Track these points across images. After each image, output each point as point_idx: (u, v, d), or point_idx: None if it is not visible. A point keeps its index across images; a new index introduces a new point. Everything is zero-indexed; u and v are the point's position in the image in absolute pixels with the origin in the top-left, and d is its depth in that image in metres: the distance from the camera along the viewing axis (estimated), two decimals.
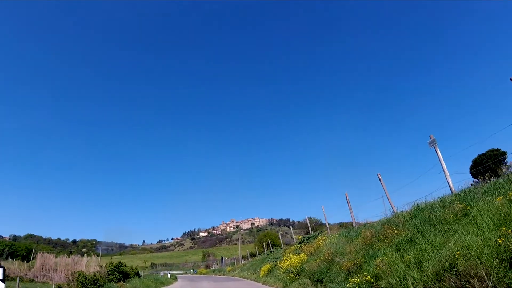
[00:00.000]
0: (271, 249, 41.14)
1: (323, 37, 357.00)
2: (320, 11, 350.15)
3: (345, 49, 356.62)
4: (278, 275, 22.65)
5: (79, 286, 20.18)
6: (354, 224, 20.05)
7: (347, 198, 20.37)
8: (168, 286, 27.85)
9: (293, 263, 18.75)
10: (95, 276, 22.23)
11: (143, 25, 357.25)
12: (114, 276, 25.25)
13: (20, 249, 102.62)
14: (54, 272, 30.40)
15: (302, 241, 25.61)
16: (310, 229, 27.69)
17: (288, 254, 23.64)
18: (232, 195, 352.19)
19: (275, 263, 28.18)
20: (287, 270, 19.02)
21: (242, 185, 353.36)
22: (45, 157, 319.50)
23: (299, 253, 23.24)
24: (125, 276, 26.59)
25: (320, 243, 20.23)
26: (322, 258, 15.91)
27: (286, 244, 39.98)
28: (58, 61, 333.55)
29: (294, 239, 33.07)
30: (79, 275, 21.62)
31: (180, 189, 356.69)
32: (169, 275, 41.05)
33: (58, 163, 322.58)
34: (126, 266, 29.89)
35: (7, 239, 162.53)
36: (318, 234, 25.21)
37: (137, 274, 30.08)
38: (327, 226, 24.08)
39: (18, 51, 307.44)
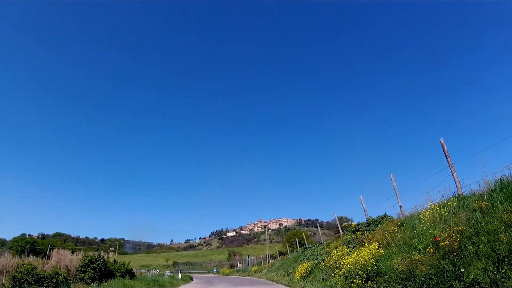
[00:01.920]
0: (306, 245, 32.63)
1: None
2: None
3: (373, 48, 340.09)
4: (325, 279, 14.32)
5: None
6: (459, 191, 11.36)
7: (444, 147, 11.75)
8: None
9: (357, 260, 10.35)
10: (43, 273, 14.78)
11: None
12: (86, 274, 17.83)
13: (43, 246, 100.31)
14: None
15: (358, 229, 17.04)
16: (365, 211, 18.97)
17: (341, 248, 15.26)
18: (260, 195, 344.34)
19: (315, 261, 19.81)
20: (347, 271, 10.66)
21: (270, 185, 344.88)
22: (75, 158, 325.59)
23: (358, 245, 14.79)
24: (105, 275, 19.15)
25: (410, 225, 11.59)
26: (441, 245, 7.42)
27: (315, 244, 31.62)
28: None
29: (340, 231, 24.49)
30: (21, 270, 14.22)
31: (208, 190, 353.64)
32: (180, 275, 33.56)
33: (89, 165, 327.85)
34: (115, 263, 22.59)
35: (35, 237, 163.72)
36: (383, 217, 16.62)
37: (130, 273, 22.63)
38: (399, 203, 15.41)
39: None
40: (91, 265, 18.22)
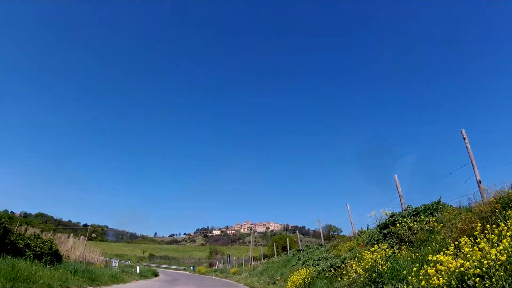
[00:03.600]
0: (300, 248, 26.24)
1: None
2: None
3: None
4: None
5: None
6: None
7: None
8: None
9: (465, 265, 4.01)
10: None
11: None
12: None
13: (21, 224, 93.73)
14: None
15: (393, 223, 10.75)
16: (400, 197, 12.63)
17: (376, 247, 8.94)
18: (249, 197, 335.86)
19: (317, 268, 13.37)
20: None
21: (260, 188, 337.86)
22: (68, 142, 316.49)
23: (398, 243, 8.56)
24: (4, 250, 12.69)
25: None
26: None
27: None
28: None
29: (352, 227, 18.19)
30: None
31: (197, 186, 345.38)
32: (138, 268, 26.78)
33: (79, 151, 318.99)
34: (35, 237, 16.17)
35: (18, 215, 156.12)
36: (437, 203, 10.44)
37: (54, 256, 16.08)
38: (478, 177, 9.30)
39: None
40: None
